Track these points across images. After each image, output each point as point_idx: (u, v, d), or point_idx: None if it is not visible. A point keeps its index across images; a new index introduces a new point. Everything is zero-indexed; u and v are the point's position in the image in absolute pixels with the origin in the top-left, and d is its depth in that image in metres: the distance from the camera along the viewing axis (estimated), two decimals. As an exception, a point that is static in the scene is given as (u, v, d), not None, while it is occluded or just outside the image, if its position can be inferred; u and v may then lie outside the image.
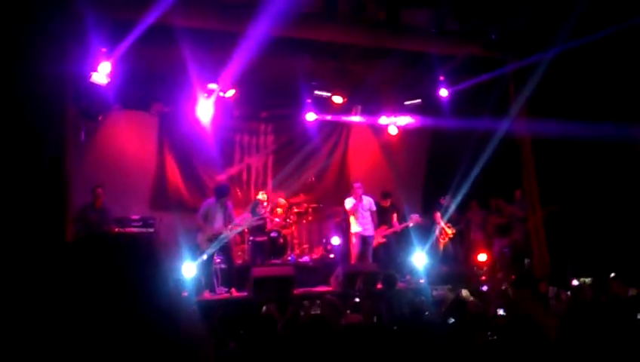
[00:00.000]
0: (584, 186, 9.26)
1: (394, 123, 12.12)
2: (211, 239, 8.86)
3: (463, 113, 10.54)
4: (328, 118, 11.90)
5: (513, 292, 6.56)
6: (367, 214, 10.01)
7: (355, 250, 9.98)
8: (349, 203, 10.00)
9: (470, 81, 10.23)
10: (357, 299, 7.04)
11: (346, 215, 10.33)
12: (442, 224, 10.59)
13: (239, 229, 9.58)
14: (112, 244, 1.25)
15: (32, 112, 6.85)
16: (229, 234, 9.05)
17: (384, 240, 10.38)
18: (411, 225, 10.33)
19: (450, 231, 10.59)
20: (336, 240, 10.81)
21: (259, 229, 10.13)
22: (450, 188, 10.61)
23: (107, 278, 1.18)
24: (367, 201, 10.01)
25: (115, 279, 1.18)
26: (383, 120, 12.14)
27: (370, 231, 10.01)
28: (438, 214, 10.66)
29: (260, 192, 10.48)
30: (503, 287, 6.85)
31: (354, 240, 10.01)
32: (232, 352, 4.16)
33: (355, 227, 9.97)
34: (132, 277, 1.20)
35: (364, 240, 9.97)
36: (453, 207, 10.68)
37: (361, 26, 9.25)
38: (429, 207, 11.20)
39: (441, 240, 10.64)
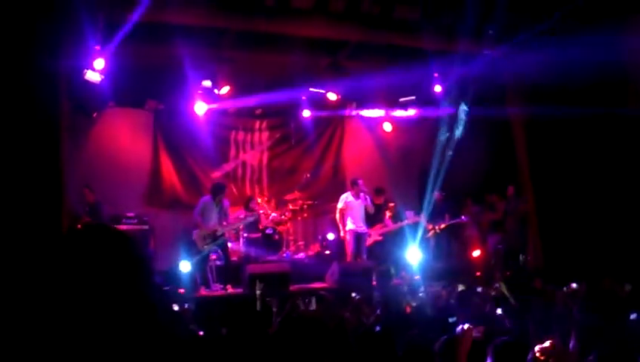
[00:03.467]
0: (580, 180, 9.24)
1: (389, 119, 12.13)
2: (207, 236, 8.89)
3: (457, 105, 10.57)
4: (323, 114, 11.88)
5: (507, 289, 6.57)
6: (362, 211, 9.98)
7: (349, 248, 9.91)
8: (342, 201, 9.99)
9: (461, 71, 10.20)
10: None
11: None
12: (424, 221, 10.53)
13: (234, 226, 9.59)
14: (99, 238, 1.27)
15: (26, 109, 6.82)
16: (224, 231, 9.07)
17: (381, 238, 10.38)
18: (407, 223, 10.33)
19: (435, 227, 10.56)
20: (331, 236, 10.82)
21: (252, 226, 10.14)
22: (443, 184, 10.65)
23: (95, 270, 1.19)
24: (364, 198, 9.98)
25: (102, 272, 1.20)
26: (376, 113, 12.15)
27: (363, 228, 9.98)
28: (422, 214, 10.60)
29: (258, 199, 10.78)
30: (497, 285, 6.83)
31: (348, 237, 9.93)
32: (223, 337, 4.19)
33: (348, 224, 9.92)
34: (117, 272, 1.22)
35: (358, 237, 9.92)
36: (441, 203, 10.72)
37: (355, 21, 9.24)
38: (424, 204, 11.19)
39: (430, 237, 10.63)
